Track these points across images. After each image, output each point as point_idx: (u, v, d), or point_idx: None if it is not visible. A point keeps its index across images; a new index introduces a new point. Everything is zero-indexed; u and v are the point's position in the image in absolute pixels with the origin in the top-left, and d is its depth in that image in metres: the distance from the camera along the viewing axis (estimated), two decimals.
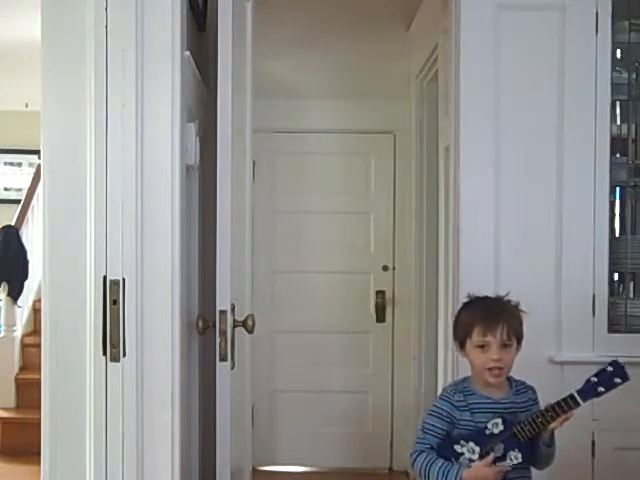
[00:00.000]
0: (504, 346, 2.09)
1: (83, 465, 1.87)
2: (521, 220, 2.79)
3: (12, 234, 5.62)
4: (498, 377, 2.10)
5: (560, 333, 2.78)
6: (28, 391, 5.15)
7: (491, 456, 2.06)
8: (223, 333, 2.21)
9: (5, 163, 7.70)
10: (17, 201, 6.30)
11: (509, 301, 2.18)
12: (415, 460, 2.16)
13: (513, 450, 2.06)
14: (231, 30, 2.24)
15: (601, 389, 2.03)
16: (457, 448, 2.10)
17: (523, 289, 2.73)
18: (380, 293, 4.83)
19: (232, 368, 2.26)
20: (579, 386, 2.04)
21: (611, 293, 2.86)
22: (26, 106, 6.61)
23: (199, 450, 2.71)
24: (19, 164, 7.68)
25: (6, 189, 7.68)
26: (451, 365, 2.99)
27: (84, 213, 1.85)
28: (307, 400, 4.81)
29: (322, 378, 4.80)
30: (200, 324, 2.36)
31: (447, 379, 3.21)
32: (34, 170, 6.61)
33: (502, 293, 2.20)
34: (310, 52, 4.43)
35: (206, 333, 2.38)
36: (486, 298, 2.20)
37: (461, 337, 2.16)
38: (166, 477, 1.93)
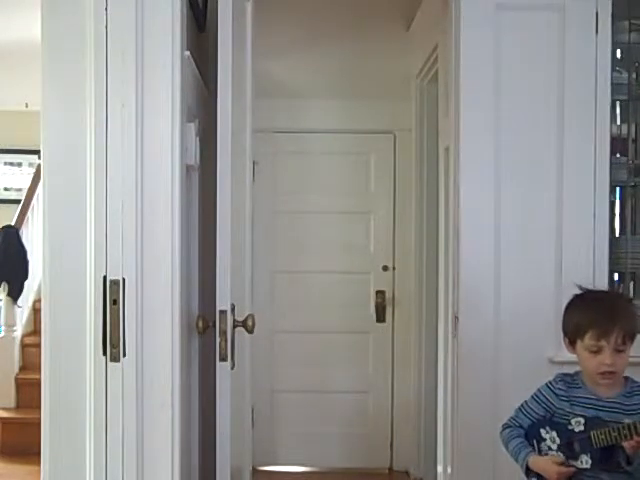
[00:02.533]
0: (618, 351, 2.03)
1: (83, 465, 1.87)
2: (521, 220, 2.79)
3: (12, 234, 5.62)
4: (610, 380, 2.06)
5: (560, 333, 2.77)
6: (28, 391, 5.15)
7: (560, 457, 2.06)
8: (223, 333, 2.21)
9: (5, 163, 7.70)
10: (17, 201, 6.30)
11: (621, 295, 2.15)
12: (501, 432, 2.21)
13: (586, 454, 2.03)
14: (231, 30, 2.23)
15: None
16: (542, 432, 2.12)
17: (523, 289, 2.75)
18: (380, 293, 4.83)
19: (232, 368, 2.26)
20: None
21: None
22: (26, 106, 6.61)
23: (199, 450, 2.71)
24: (19, 164, 7.67)
25: (6, 189, 7.68)
26: (451, 365, 2.99)
27: (84, 213, 1.85)
28: (307, 400, 4.81)
29: (322, 378, 4.81)
30: (200, 324, 2.36)
31: (447, 379, 3.21)
32: (34, 170, 6.61)
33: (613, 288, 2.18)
34: (310, 52, 4.43)
35: (206, 333, 2.38)
36: (599, 295, 2.15)
37: (572, 336, 2.11)
38: (166, 477, 1.93)
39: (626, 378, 2.11)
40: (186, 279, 2.27)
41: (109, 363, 1.85)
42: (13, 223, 5.79)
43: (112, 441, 1.86)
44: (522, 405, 2.18)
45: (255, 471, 3.63)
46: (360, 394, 4.86)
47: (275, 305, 4.81)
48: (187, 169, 2.27)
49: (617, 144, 2.93)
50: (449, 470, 3.14)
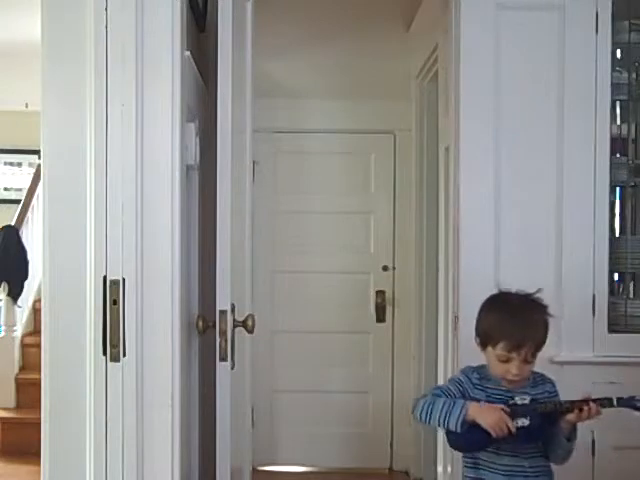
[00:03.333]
0: (526, 362, 2.07)
1: (83, 465, 1.87)
2: (521, 220, 2.79)
3: (12, 234, 5.62)
4: (514, 384, 2.10)
5: (560, 333, 2.77)
6: (28, 391, 5.14)
7: (501, 405, 2.05)
8: (223, 333, 2.21)
9: (5, 163, 7.70)
10: (17, 201, 6.30)
11: (537, 305, 2.12)
12: (416, 405, 2.12)
13: (525, 417, 2.03)
14: (231, 30, 2.24)
15: None
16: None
17: (523, 289, 2.74)
18: (380, 293, 4.83)
19: (232, 368, 2.26)
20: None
21: (611, 293, 2.86)
22: (26, 106, 6.61)
23: (199, 450, 2.71)
24: (19, 164, 7.67)
25: (6, 189, 7.68)
26: (451, 365, 3.00)
27: (84, 213, 1.85)
28: (307, 400, 4.81)
29: (322, 378, 4.80)
30: (200, 324, 2.36)
31: (447, 379, 3.21)
32: (34, 170, 6.61)
33: (531, 290, 2.16)
34: (310, 52, 4.43)
35: (206, 333, 2.38)
36: (515, 303, 2.13)
37: (483, 340, 2.14)
38: (166, 477, 1.93)
39: None
40: (186, 279, 2.27)
41: (109, 363, 1.85)
42: (13, 223, 5.78)
43: (112, 441, 1.86)
44: (438, 386, 2.21)
45: (255, 471, 3.63)
46: (360, 394, 4.86)
47: (275, 305, 4.81)
48: (187, 169, 2.27)
49: (617, 144, 2.93)
50: (449, 470, 3.14)
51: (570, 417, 2.04)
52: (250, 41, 2.66)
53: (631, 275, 3.02)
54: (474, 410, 2.03)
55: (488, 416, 2.02)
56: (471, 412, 2.03)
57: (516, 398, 2.07)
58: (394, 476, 4.77)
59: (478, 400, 2.10)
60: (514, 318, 2.09)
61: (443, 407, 2.05)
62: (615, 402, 2.01)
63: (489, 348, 2.11)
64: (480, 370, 2.18)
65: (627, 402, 2.03)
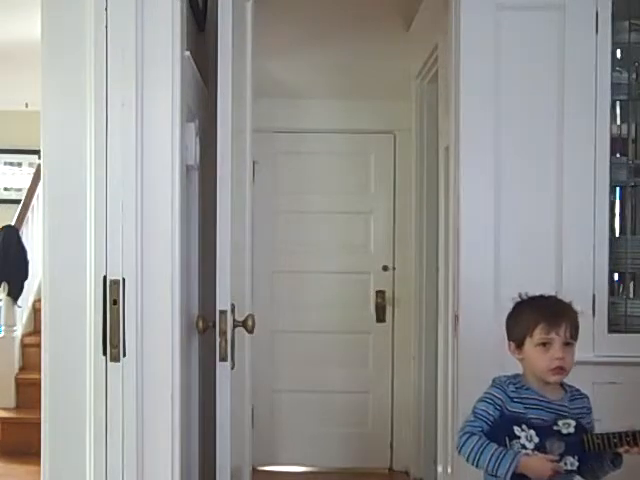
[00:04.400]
0: (566, 344, 2.05)
1: (83, 465, 1.87)
2: (521, 220, 2.78)
3: (12, 234, 5.62)
4: (560, 376, 2.06)
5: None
6: (28, 391, 5.14)
7: (553, 455, 2.01)
8: (223, 333, 2.21)
9: (5, 163, 7.70)
10: (17, 201, 6.30)
11: (561, 300, 2.14)
12: (465, 443, 2.06)
13: (573, 456, 2.01)
14: (231, 30, 2.24)
15: None
16: (516, 430, 2.04)
17: (523, 289, 2.74)
18: (380, 293, 4.83)
19: (232, 368, 2.26)
20: None
21: (611, 293, 2.86)
22: (26, 106, 6.61)
23: (199, 450, 2.71)
24: (19, 164, 7.67)
25: (6, 189, 7.68)
26: (451, 365, 2.99)
27: (84, 213, 1.85)
28: (307, 400, 4.81)
29: (322, 378, 4.80)
30: (200, 324, 2.36)
31: (447, 379, 3.21)
32: (34, 170, 6.61)
33: (553, 293, 2.18)
34: (310, 52, 4.43)
35: (206, 333, 2.38)
36: (542, 297, 2.15)
37: (520, 336, 2.11)
38: (166, 477, 1.93)
39: (562, 384, 2.13)
40: (186, 279, 2.27)
41: (109, 363, 1.85)
42: (13, 223, 5.79)
43: (112, 441, 1.86)
44: (475, 411, 2.10)
45: (255, 471, 3.63)
46: (360, 394, 4.86)
47: (275, 305, 4.81)
48: (187, 169, 2.27)
49: (617, 144, 2.93)
50: (449, 470, 3.14)
51: (621, 451, 1.99)
52: (250, 41, 2.66)
53: (631, 275, 3.02)
54: (524, 464, 2.00)
55: (538, 470, 2.00)
56: (522, 466, 2.00)
57: (560, 423, 2.03)
58: (394, 476, 4.77)
59: (518, 414, 2.06)
60: (547, 301, 2.13)
61: (493, 456, 2.01)
62: None
63: (528, 342, 2.08)
64: (515, 380, 2.12)
65: None
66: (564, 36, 2.77)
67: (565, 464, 2.01)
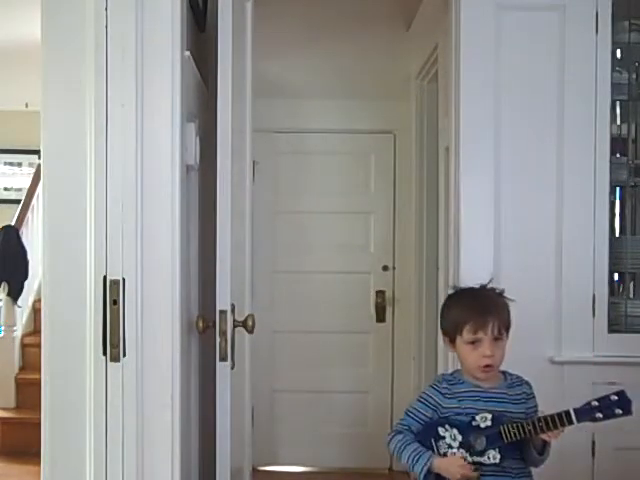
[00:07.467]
0: (495, 340, 2.08)
1: (83, 465, 1.87)
2: (521, 220, 2.79)
3: (12, 234, 5.62)
4: (489, 372, 2.10)
5: (560, 333, 2.78)
6: (28, 391, 5.15)
7: (463, 455, 2.05)
8: (223, 333, 2.21)
9: (5, 163, 7.70)
10: (17, 201, 6.30)
11: (494, 289, 2.16)
12: (391, 440, 2.16)
13: (494, 449, 2.03)
14: (231, 30, 2.24)
15: (599, 415, 1.97)
16: (440, 431, 2.09)
17: (523, 289, 2.74)
18: (380, 293, 4.83)
19: (232, 368, 2.26)
20: (578, 405, 1.99)
21: (611, 293, 2.86)
22: (26, 106, 6.61)
23: (199, 450, 2.71)
24: (19, 164, 7.68)
25: (6, 189, 7.69)
26: (451, 365, 2.99)
27: (84, 213, 1.85)
28: (307, 400, 4.81)
29: (322, 378, 4.80)
30: (200, 324, 2.36)
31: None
32: (34, 170, 6.61)
33: (484, 282, 2.18)
34: (310, 52, 4.43)
35: (206, 333, 2.38)
36: (472, 290, 2.18)
37: (451, 333, 2.14)
38: (166, 477, 1.93)
39: (503, 372, 2.16)
40: (186, 279, 2.27)
41: (109, 363, 1.85)
42: (13, 223, 5.79)
43: (112, 441, 1.86)
44: (407, 410, 2.17)
45: (255, 471, 3.63)
46: (360, 394, 4.86)
47: (275, 305, 4.81)
48: (187, 169, 2.27)
49: (617, 144, 2.93)
50: None
51: (544, 437, 2.01)
52: (250, 41, 2.66)
53: (631, 275, 3.02)
54: (438, 464, 2.06)
55: (448, 471, 2.05)
56: (435, 466, 2.06)
57: (477, 417, 2.05)
58: (394, 476, 4.76)
59: (453, 409, 2.09)
60: (474, 301, 2.14)
61: (410, 456, 2.10)
62: (574, 418, 1.96)
63: (458, 340, 2.12)
64: (451, 376, 2.17)
65: (585, 415, 1.97)
66: (564, 36, 2.77)
67: (488, 458, 2.03)
